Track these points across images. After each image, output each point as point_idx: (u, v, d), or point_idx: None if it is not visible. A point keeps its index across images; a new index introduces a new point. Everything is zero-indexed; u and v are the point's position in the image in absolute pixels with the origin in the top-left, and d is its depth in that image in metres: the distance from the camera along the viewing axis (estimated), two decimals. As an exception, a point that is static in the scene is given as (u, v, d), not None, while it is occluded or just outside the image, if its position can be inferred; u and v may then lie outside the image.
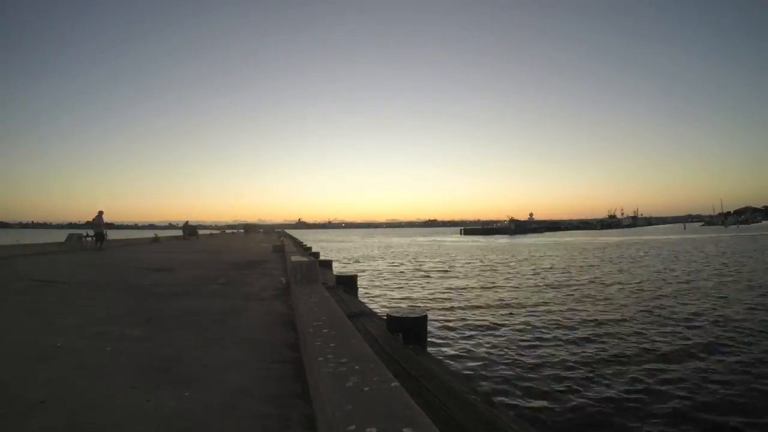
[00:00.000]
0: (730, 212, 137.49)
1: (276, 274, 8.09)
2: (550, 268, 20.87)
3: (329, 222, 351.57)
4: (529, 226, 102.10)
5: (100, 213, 16.86)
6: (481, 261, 25.56)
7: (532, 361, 6.75)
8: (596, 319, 9.54)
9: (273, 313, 4.40)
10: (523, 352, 7.19)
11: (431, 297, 12.94)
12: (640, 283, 15.00)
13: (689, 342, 7.65)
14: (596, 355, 7.00)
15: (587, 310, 10.55)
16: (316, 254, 14.95)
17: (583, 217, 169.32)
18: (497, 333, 8.50)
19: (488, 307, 11.23)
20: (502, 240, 58.28)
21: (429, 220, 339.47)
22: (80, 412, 2.00)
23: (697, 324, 8.94)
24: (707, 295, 12.24)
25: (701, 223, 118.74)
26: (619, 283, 15.02)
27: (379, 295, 13.41)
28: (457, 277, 17.64)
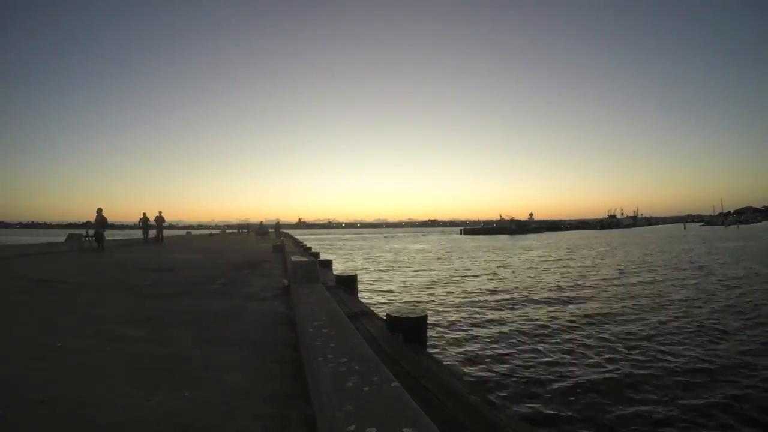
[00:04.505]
0: (730, 212, 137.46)
1: (276, 274, 8.09)
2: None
3: (329, 222, 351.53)
4: (530, 226, 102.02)
5: (99, 211, 16.33)
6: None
7: (534, 360, 6.75)
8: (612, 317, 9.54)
9: (273, 313, 4.40)
10: (525, 352, 7.19)
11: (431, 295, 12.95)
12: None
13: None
14: (600, 352, 7.00)
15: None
16: (317, 254, 14.95)
17: (583, 217, 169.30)
18: (499, 333, 8.50)
19: (489, 305, 11.23)
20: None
21: (429, 220, 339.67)
22: (80, 412, 2.00)
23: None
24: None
25: (701, 223, 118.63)
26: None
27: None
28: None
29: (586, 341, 7.81)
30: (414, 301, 12.24)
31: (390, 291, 14.33)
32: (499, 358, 6.87)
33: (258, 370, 2.64)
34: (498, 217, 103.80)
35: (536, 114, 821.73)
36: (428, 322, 3.98)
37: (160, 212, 22.32)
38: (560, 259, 25.78)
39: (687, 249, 30.87)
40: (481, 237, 73.46)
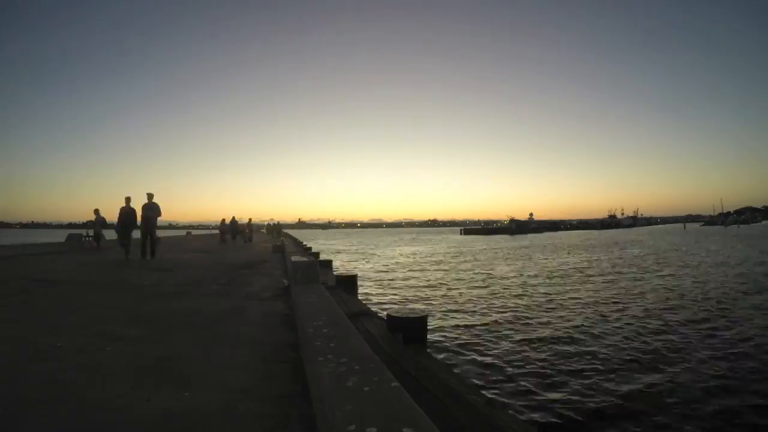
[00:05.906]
0: (730, 212, 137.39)
1: (276, 274, 8.09)
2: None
3: (329, 222, 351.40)
4: (530, 226, 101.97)
5: (96, 212, 16.56)
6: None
7: (535, 360, 6.74)
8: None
9: (273, 313, 4.40)
10: (525, 352, 7.19)
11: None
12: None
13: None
14: (601, 351, 7.00)
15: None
16: (317, 254, 14.96)
17: (583, 217, 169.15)
18: (499, 332, 8.49)
19: (490, 306, 11.22)
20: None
21: (430, 220, 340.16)
22: (80, 413, 2.00)
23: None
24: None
25: (701, 223, 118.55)
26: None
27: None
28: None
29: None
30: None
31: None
32: (501, 358, 6.86)
33: (258, 370, 2.64)
34: (502, 217, 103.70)
35: (536, 114, 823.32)
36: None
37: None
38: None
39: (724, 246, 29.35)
40: (491, 236, 73.09)
